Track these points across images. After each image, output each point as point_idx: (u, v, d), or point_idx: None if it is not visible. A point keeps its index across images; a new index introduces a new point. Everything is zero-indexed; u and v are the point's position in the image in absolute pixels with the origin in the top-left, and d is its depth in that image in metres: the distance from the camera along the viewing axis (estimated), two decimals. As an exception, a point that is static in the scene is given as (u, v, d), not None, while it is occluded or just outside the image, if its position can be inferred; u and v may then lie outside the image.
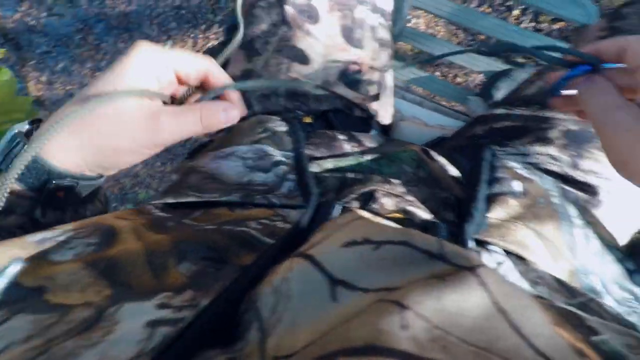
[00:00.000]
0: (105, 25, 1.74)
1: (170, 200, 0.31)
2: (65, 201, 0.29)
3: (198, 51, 0.79)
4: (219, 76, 0.32)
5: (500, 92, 0.83)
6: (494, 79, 0.85)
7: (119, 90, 0.27)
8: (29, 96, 1.61)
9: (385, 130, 0.53)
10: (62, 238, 0.23)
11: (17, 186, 0.27)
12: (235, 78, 0.51)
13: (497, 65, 0.87)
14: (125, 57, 0.28)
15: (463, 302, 0.16)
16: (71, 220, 0.29)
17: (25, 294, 0.19)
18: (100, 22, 1.74)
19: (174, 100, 0.32)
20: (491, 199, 0.31)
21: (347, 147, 0.39)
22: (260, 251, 0.25)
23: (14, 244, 0.22)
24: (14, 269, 0.17)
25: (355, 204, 0.31)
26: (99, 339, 0.17)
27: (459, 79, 1.42)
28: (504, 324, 0.15)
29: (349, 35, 0.47)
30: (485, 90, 0.84)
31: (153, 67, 0.28)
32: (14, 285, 0.20)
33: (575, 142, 0.39)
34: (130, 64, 0.27)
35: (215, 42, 1.59)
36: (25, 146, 0.25)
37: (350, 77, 0.47)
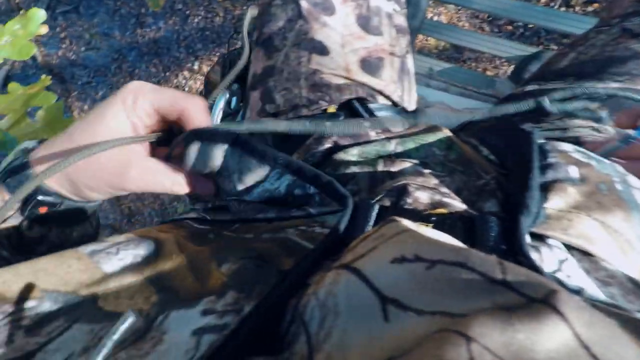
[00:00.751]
0: (137, 52, 1.84)
1: (208, 218, 0.32)
2: (49, 218, 0.30)
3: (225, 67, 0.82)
4: (195, 117, 0.30)
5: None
6: (525, 62, 0.82)
7: (110, 138, 0.28)
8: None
9: (411, 117, 0.51)
10: (111, 250, 0.24)
11: (7, 195, 0.29)
12: (256, 76, 0.52)
13: (526, 49, 0.83)
14: (110, 100, 0.29)
15: (539, 337, 0.14)
16: (56, 239, 0.31)
17: (80, 302, 0.20)
18: (132, 50, 1.84)
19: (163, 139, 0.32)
20: (546, 188, 0.28)
21: (372, 133, 0.38)
22: (300, 255, 0.24)
23: (70, 254, 0.23)
24: (129, 322, 0.17)
25: (388, 201, 0.29)
26: (149, 349, 0.18)
27: (489, 72, 1.38)
28: None
29: (365, 23, 0.47)
30: (517, 74, 0.81)
31: (138, 109, 0.29)
32: (71, 293, 0.20)
33: (619, 111, 0.36)
34: (112, 108, 0.29)
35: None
36: (28, 177, 0.28)
37: (371, 64, 0.46)
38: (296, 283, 0.21)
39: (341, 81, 0.45)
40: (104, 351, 0.16)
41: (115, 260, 0.23)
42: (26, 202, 0.29)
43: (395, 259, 0.19)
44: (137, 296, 0.21)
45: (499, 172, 0.33)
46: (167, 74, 1.79)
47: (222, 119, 0.71)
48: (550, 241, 0.26)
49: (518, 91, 0.45)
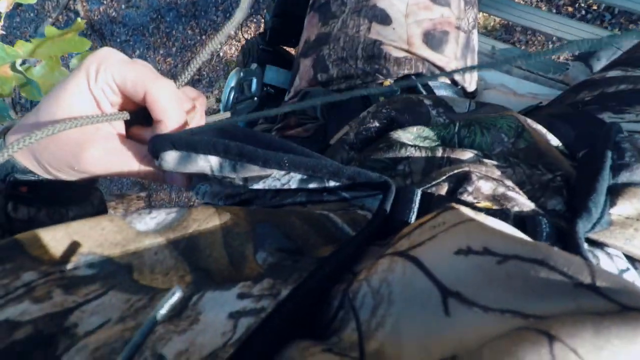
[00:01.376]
0: (175, 14, 1.82)
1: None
2: (32, 197, 0.29)
3: (262, 33, 0.79)
4: (161, 104, 0.26)
5: (601, 62, 0.73)
6: (594, 47, 0.75)
7: (77, 115, 0.26)
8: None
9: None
10: (144, 211, 0.24)
11: None
12: (309, 43, 0.49)
13: (596, 31, 0.77)
14: (75, 71, 0.26)
15: (636, 346, 0.13)
16: (47, 219, 0.29)
17: (115, 270, 0.19)
18: (171, 11, 1.82)
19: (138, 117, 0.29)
20: (616, 191, 0.26)
21: (434, 112, 0.35)
22: (340, 242, 0.23)
23: (102, 217, 0.23)
24: (177, 296, 0.16)
25: (445, 187, 0.27)
26: (186, 327, 0.17)
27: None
28: None
29: (433, -9, 0.43)
30: (584, 60, 0.75)
31: (99, 82, 0.26)
32: (106, 259, 0.20)
33: None
34: (74, 81, 0.26)
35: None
36: None
37: (435, 38, 0.43)
38: (338, 269, 0.20)
39: (401, 54, 0.43)
40: (151, 324, 0.16)
41: (147, 219, 0.22)
42: (3, 181, 0.27)
43: (460, 250, 0.18)
44: (172, 274, 0.20)
45: (570, 165, 0.31)
46: (203, 37, 1.77)
47: (239, 103, 0.67)
48: (610, 250, 0.24)
49: (598, 77, 0.41)
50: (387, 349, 0.16)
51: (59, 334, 0.16)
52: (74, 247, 0.20)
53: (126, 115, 0.27)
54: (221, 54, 1.76)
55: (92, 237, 0.21)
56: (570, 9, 1.30)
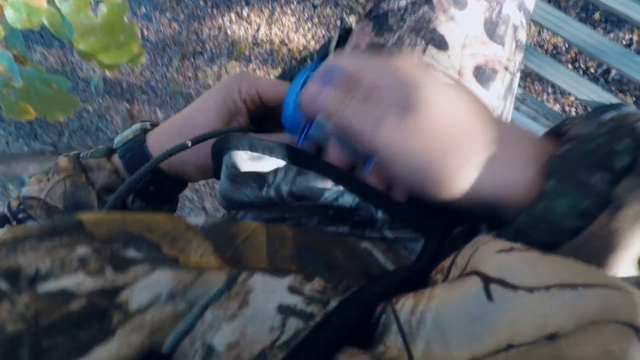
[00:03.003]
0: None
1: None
2: (152, 195, 0.33)
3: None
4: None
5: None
6: (600, 111, 0.79)
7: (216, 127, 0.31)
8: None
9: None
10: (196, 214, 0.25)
11: (124, 172, 0.32)
12: (358, 50, 0.48)
13: (604, 96, 0.81)
14: (217, 88, 0.32)
15: None
16: None
17: (162, 259, 0.19)
18: (187, -24, 1.75)
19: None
20: None
21: None
22: (384, 275, 0.23)
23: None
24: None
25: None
26: (235, 310, 0.17)
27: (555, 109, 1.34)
28: None
29: (492, 29, 0.43)
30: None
31: (240, 93, 0.32)
32: (154, 247, 0.20)
33: None
34: (217, 97, 0.32)
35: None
36: (145, 156, 0.32)
37: (485, 74, 0.43)
38: (386, 289, 0.20)
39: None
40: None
41: (199, 217, 0.23)
42: (139, 179, 0.31)
43: (501, 250, 0.18)
44: (215, 259, 0.21)
45: None
46: (214, 11, 1.71)
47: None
48: None
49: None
50: (435, 348, 0.15)
51: (112, 309, 0.16)
52: (124, 227, 0.20)
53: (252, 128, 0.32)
54: (229, 32, 1.72)
55: (143, 222, 0.21)
56: (592, 69, 1.34)
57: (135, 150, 0.32)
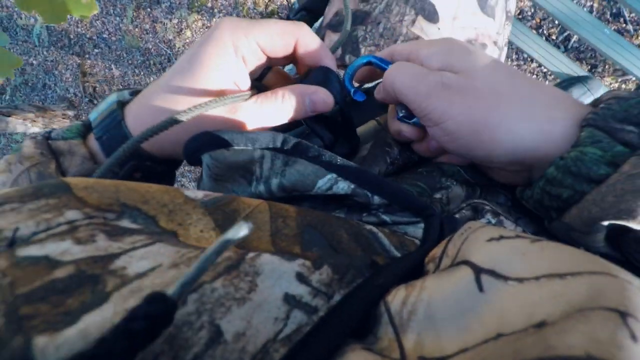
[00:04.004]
0: None
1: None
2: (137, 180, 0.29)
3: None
4: (310, 45, 0.28)
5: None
6: (568, 82, 0.81)
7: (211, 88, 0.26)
8: None
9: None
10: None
11: (102, 157, 0.29)
12: (341, 17, 0.45)
13: (575, 69, 0.82)
14: (209, 42, 0.26)
15: None
16: None
17: (160, 232, 0.18)
18: None
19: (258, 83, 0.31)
20: None
21: None
22: (388, 266, 0.22)
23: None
24: (244, 232, 0.15)
25: (467, 213, 0.28)
26: (245, 293, 0.16)
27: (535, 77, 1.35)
28: None
29: (484, 0, 0.41)
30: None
31: (237, 51, 0.26)
32: (151, 220, 0.18)
33: None
34: (212, 52, 0.26)
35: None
36: (123, 136, 0.27)
37: (474, 48, 0.41)
38: (390, 282, 0.20)
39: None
40: (215, 255, 0.14)
41: (197, 191, 0.22)
42: (122, 166, 0.28)
43: (491, 238, 0.18)
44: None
45: None
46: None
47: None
48: None
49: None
50: (426, 339, 0.15)
51: (105, 274, 0.15)
52: (117, 196, 0.19)
53: (252, 92, 0.28)
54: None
55: (138, 192, 0.20)
56: (534, 31, 1.35)
57: (114, 131, 0.28)
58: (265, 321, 0.16)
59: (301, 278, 0.18)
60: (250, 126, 0.27)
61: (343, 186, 0.24)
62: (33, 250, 0.15)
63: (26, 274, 0.14)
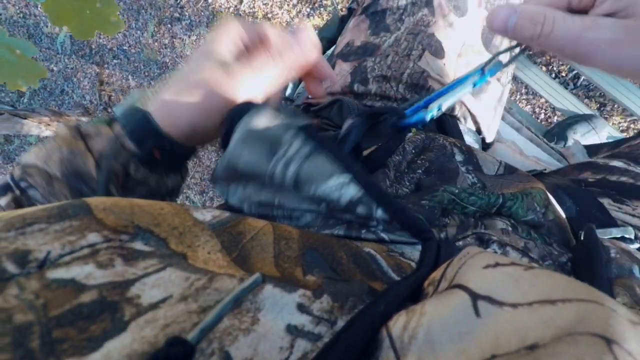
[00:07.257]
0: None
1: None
2: (158, 162, 0.31)
3: None
4: (272, 36, 0.31)
5: (577, 135, 0.80)
6: (573, 120, 0.82)
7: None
8: None
9: (484, 148, 0.50)
10: (201, 207, 0.24)
11: (125, 139, 0.30)
12: (352, 47, 0.47)
13: (581, 108, 0.83)
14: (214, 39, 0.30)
15: None
16: (154, 184, 0.33)
17: (170, 254, 0.19)
18: None
19: None
20: (610, 283, 0.28)
21: (463, 169, 0.35)
22: (387, 291, 0.23)
23: (161, 202, 0.23)
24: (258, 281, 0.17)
25: (471, 242, 0.28)
26: (248, 325, 0.17)
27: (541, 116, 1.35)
28: None
29: (488, 39, 0.43)
30: (562, 129, 0.81)
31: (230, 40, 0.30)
32: (162, 242, 0.19)
33: None
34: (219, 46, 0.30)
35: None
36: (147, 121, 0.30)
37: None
38: (390, 309, 0.20)
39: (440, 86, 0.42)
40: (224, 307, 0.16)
41: (205, 212, 0.23)
42: (142, 143, 0.29)
43: (488, 265, 0.19)
44: (227, 269, 0.20)
45: (573, 247, 0.33)
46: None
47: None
48: None
49: (602, 162, 0.44)
50: None
51: (122, 302, 0.16)
52: (132, 218, 0.20)
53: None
54: (210, 0, 1.63)
55: (151, 215, 0.21)
56: (544, 68, 1.37)
57: (141, 123, 0.30)
58: (270, 350, 0.16)
59: (302, 308, 0.19)
60: (248, 85, 0.29)
61: (352, 191, 0.25)
62: (61, 273, 0.16)
63: (56, 297, 0.15)
